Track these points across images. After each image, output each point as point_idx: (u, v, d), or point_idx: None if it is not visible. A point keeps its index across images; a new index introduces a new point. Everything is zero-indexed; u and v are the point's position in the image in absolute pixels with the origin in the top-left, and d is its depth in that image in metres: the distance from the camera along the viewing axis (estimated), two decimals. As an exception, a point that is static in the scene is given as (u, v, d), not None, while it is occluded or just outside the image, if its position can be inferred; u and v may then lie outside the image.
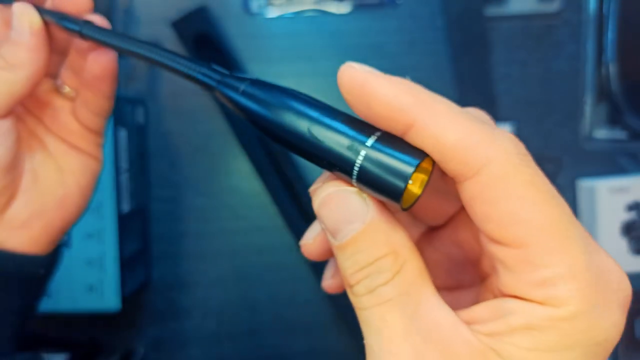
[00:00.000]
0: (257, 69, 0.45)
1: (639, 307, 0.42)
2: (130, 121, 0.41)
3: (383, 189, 0.16)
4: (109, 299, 0.37)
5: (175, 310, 0.46)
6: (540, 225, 0.15)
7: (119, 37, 0.24)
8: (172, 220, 0.45)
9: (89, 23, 0.25)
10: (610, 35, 0.44)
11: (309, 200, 0.44)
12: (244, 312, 0.46)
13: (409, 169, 0.15)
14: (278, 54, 0.45)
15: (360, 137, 0.16)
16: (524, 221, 0.15)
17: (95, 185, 0.29)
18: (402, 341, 0.16)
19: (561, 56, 0.46)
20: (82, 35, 0.25)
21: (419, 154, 0.16)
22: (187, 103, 0.45)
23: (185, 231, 0.45)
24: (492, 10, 0.45)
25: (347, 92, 0.17)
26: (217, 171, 0.46)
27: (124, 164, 0.40)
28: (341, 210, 0.16)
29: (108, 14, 0.44)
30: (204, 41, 0.44)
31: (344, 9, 0.45)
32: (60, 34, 0.26)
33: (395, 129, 0.16)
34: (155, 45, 0.23)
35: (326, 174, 0.18)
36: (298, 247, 0.45)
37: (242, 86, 0.19)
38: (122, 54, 0.24)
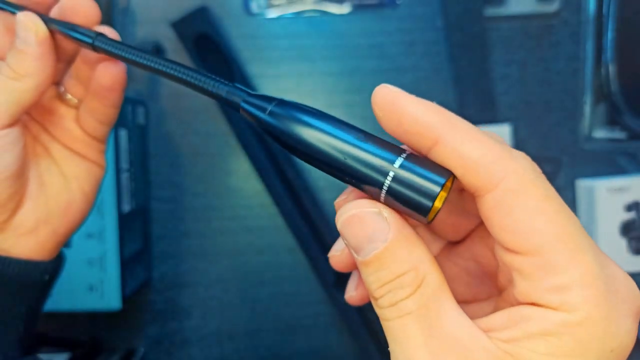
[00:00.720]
0: (257, 69, 0.45)
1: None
2: (131, 121, 0.41)
3: (411, 205, 0.17)
4: (109, 298, 0.37)
5: (176, 309, 0.46)
6: (554, 234, 0.16)
7: (134, 51, 0.23)
8: (172, 220, 0.46)
9: (101, 35, 0.24)
10: (610, 35, 0.44)
11: (309, 200, 0.44)
12: (244, 311, 0.46)
13: (436, 188, 0.17)
14: (278, 54, 0.46)
15: (390, 157, 0.17)
16: (539, 231, 0.16)
17: (99, 190, 0.30)
18: (423, 350, 0.17)
19: (560, 56, 0.46)
20: (95, 48, 0.24)
21: (444, 172, 0.17)
22: (187, 103, 0.45)
23: (185, 231, 0.46)
24: (491, 11, 0.45)
25: (380, 109, 0.18)
26: (217, 171, 0.46)
27: (125, 164, 0.40)
28: (363, 230, 0.17)
29: (107, 14, 0.44)
30: (204, 41, 0.44)
31: (344, 9, 0.45)
32: (66, 43, 0.26)
33: (421, 145, 0.17)
34: (173, 61, 0.22)
35: (350, 187, 0.19)
36: (298, 247, 0.45)
37: (270, 106, 0.19)
38: (137, 68, 0.24)
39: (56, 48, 0.26)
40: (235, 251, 0.46)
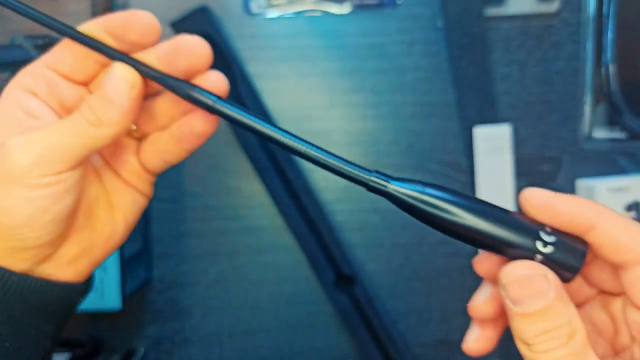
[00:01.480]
0: (257, 69, 0.45)
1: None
2: (131, 121, 0.41)
3: (564, 267, 0.21)
4: (109, 298, 0.37)
5: (176, 309, 0.46)
6: None
7: (257, 118, 0.22)
8: (173, 220, 0.46)
9: (221, 99, 0.23)
10: (610, 35, 0.44)
11: (309, 200, 0.44)
12: (244, 311, 0.46)
13: (583, 253, 0.21)
14: (278, 54, 0.46)
15: (540, 230, 0.21)
16: None
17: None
18: None
19: (560, 56, 0.46)
20: (212, 110, 0.23)
21: (582, 242, 0.21)
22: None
23: (185, 231, 0.46)
24: (491, 11, 0.45)
25: (537, 212, 0.22)
26: (217, 171, 0.46)
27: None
28: (528, 288, 0.21)
29: (106, 13, 0.44)
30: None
31: (344, 9, 0.45)
32: (154, 84, 0.24)
33: (575, 230, 0.22)
34: (300, 137, 0.22)
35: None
36: (298, 247, 0.45)
37: (420, 194, 0.22)
38: (262, 138, 0.23)
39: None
40: (235, 251, 0.46)
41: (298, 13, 0.45)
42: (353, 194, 0.45)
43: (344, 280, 0.45)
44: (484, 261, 0.24)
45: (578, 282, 0.25)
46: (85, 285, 0.27)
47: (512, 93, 0.46)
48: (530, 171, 0.46)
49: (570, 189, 0.46)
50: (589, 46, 0.45)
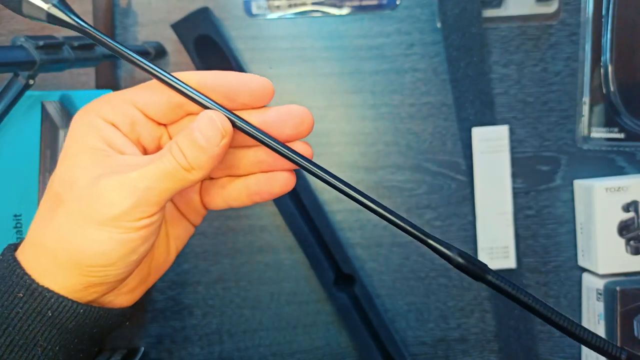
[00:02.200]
0: (258, 70, 0.46)
1: (638, 307, 0.42)
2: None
3: None
4: (111, 297, 0.37)
5: (177, 308, 0.46)
6: None
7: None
8: (174, 220, 0.46)
9: (317, 165, 0.24)
10: (608, 36, 0.44)
11: (309, 200, 0.44)
12: (244, 310, 0.46)
13: None
14: (278, 55, 0.46)
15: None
16: None
17: None
18: None
19: (558, 57, 0.46)
20: (308, 171, 0.24)
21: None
22: (188, 104, 0.46)
23: (186, 231, 0.46)
24: (489, 12, 0.45)
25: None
26: (217, 171, 0.46)
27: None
28: None
29: (108, 15, 0.45)
30: (205, 42, 0.45)
31: (343, 11, 0.45)
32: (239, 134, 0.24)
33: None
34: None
35: None
36: (298, 247, 0.45)
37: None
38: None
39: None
40: (236, 250, 0.46)
41: (298, 14, 0.46)
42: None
43: (343, 279, 0.45)
44: None
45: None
46: (133, 309, 0.27)
47: (510, 94, 0.46)
48: (528, 171, 0.46)
49: (568, 189, 0.46)
50: (588, 47, 0.45)
